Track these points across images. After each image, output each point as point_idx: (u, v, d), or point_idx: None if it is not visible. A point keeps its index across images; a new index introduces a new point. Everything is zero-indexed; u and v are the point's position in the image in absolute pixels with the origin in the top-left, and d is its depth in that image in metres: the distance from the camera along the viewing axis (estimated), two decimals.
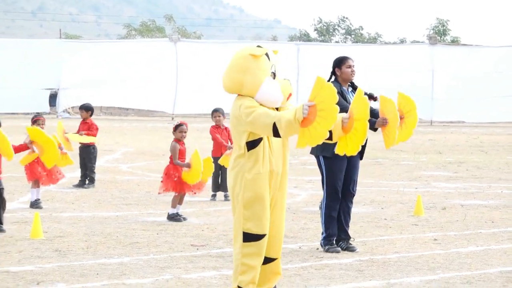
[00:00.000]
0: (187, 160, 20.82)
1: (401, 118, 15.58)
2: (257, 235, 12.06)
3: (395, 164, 34.47)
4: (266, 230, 12.09)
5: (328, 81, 16.51)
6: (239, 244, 12.16)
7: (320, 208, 17.35)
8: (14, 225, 19.16)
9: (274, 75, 12.23)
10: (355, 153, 12.99)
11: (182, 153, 20.94)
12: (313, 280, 14.19)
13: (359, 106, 12.83)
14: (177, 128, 21.19)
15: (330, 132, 12.16)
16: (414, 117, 15.49)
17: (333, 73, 16.90)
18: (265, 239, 12.07)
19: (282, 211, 12.42)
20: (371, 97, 16.38)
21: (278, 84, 12.17)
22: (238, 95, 12.25)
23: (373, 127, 15.46)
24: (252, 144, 12.10)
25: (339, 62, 16.90)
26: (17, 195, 22.96)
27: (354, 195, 17.15)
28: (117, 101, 69.11)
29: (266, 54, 12.37)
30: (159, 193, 21.22)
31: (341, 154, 13.14)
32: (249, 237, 12.11)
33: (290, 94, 12.23)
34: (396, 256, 16.38)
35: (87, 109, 27.66)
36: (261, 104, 11.99)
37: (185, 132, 21.26)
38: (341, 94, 16.35)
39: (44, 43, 78.64)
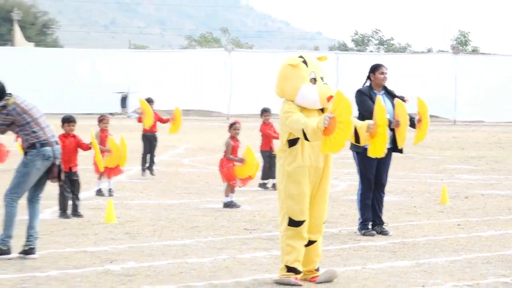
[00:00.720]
0: (240, 156, 20.84)
1: (419, 121, 15.77)
2: (298, 221, 12.17)
3: (423, 159, 34.39)
4: (305, 217, 12.16)
5: (363, 85, 16.71)
6: (284, 228, 12.30)
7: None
8: (91, 211, 19.22)
9: (314, 80, 12.28)
10: (382, 155, 13.01)
11: (235, 150, 20.97)
12: (351, 260, 14.17)
13: (379, 113, 12.99)
14: (232, 126, 21.26)
15: (358, 136, 12.54)
16: (427, 119, 15.70)
17: (368, 78, 16.91)
18: (304, 224, 12.18)
19: (323, 201, 12.47)
20: (402, 99, 16.40)
21: (316, 89, 12.24)
22: (285, 99, 12.42)
23: (390, 128, 15.50)
24: (292, 142, 12.28)
25: (374, 69, 16.94)
26: (92, 185, 22.98)
27: (385, 186, 17.13)
28: (179, 103, 69.01)
29: (304, 62, 12.41)
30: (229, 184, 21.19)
31: (372, 156, 13.25)
32: (291, 223, 12.23)
33: (331, 96, 12.23)
34: (424, 239, 16.33)
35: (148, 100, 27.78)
36: (302, 107, 12.13)
37: (239, 129, 21.30)
38: (370, 97, 16.43)
39: (115, 53, 78.82)
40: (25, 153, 14.25)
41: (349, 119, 12.04)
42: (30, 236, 14.23)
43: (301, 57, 12.62)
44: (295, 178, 12.27)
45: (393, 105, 16.25)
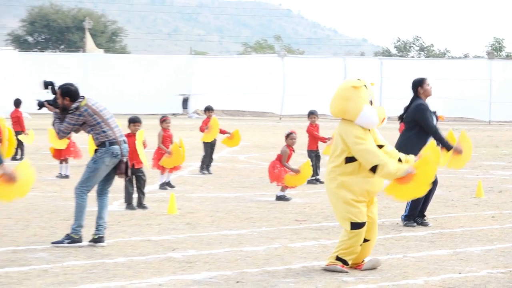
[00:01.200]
0: (296, 167, 20.81)
1: (459, 151, 16.01)
2: (360, 222, 12.16)
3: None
4: (365, 218, 12.19)
5: (416, 100, 16.64)
6: (347, 232, 12.26)
7: None
8: (155, 203, 19.28)
9: (371, 102, 12.30)
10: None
11: (289, 157, 20.95)
12: (393, 249, 14.14)
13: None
14: (289, 136, 21.23)
15: None
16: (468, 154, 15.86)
17: (416, 91, 16.81)
18: (365, 226, 12.22)
19: (376, 205, 12.51)
20: (434, 114, 16.61)
21: (375, 110, 12.25)
22: (343, 119, 12.35)
23: (448, 148, 16.08)
24: (351, 159, 12.25)
25: (421, 82, 16.90)
26: (156, 179, 23.05)
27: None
28: (236, 104, 69.26)
29: (365, 85, 12.42)
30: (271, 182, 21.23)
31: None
32: (354, 226, 12.19)
33: (384, 118, 12.31)
34: (461, 230, 16.26)
35: (208, 109, 27.78)
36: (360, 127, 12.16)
37: (295, 139, 21.28)
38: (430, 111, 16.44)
39: (178, 58, 79.06)
40: (95, 151, 14.39)
41: (427, 183, 12.49)
42: (99, 226, 14.32)
43: (360, 80, 12.66)
44: (350, 187, 12.27)
45: (436, 118, 16.58)
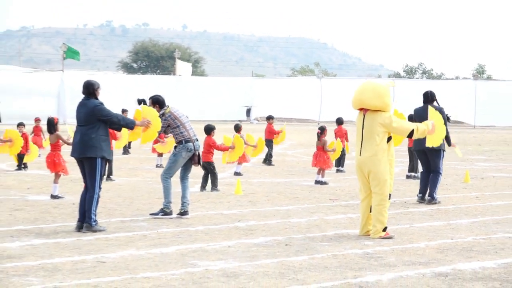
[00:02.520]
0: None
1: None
2: (390, 194, 12.33)
3: (452, 152, 33.95)
4: None
5: (438, 105, 16.88)
6: (387, 202, 12.22)
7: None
8: (225, 186, 19.29)
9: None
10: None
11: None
12: (402, 221, 14.06)
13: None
14: (323, 130, 21.24)
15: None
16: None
17: (432, 100, 16.94)
18: None
19: None
20: (447, 115, 16.93)
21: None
22: (375, 110, 12.22)
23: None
24: (388, 139, 12.28)
25: (435, 95, 17.28)
26: (227, 168, 23.10)
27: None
28: (285, 113, 69.28)
29: None
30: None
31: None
32: (389, 197, 12.30)
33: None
34: (452, 207, 16.12)
35: (270, 117, 27.68)
36: None
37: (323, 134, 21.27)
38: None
39: (243, 79, 79.41)
40: (175, 147, 14.64)
41: (442, 125, 13.52)
42: (184, 203, 14.42)
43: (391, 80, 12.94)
44: (391, 164, 12.32)
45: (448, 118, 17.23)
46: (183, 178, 14.90)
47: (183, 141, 14.61)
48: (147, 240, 11.80)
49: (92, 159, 12.74)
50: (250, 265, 9.98)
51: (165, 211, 14.46)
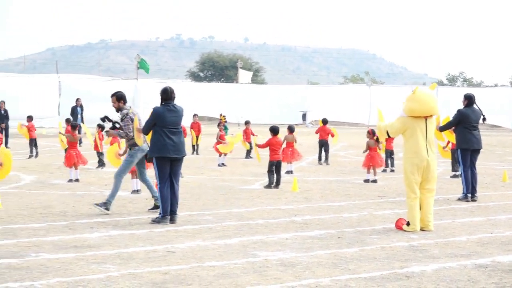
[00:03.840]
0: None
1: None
2: None
3: (491, 153, 33.56)
4: None
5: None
6: None
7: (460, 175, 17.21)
8: (283, 184, 19.24)
9: None
10: None
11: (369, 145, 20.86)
12: (445, 216, 13.91)
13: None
14: (368, 133, 21.15)
15: None
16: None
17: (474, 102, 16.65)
18: None
19: None
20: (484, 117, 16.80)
21: None
22: (431, 116, 12.37)
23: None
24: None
25: (474, 97, 16.78)
26: (283, 168, 23.08)
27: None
28: (338, 117, 69.00)
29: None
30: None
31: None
32: None
33: None
34: (492, 204, 15.90)
35: (325, 122, 27.56)
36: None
37: (372, 135, 21.16)
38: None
39: (299, 87, 79.18)
40: (130, 148, 14.33)
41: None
42: (157, 198, 13.98)
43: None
44: None
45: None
46: (144, 179, 14.47)
47: (137, 145, 14.21)
48: (212, 232, 11.84)
49: (183, 157, 13.13)
50: (306, 255, 9.96)
51: (106, 206, 13.90)
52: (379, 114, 13.50)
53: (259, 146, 19.78)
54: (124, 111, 14.38)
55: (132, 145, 14.25)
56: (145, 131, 13.18)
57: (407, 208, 12.33)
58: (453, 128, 16.93)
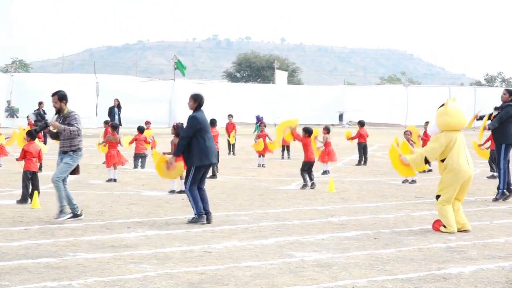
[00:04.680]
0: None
1: None
2: None
3: None
4: None
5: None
6: None
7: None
8: (319, 184, 19.18)
9: None
10: None
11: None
12: (483, 218, 13.79)
13: None
14: (405, 133, 21.01)
15: None
16: None
17: None
18: None
19: None
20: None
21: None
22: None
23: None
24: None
25: None
26: (319, 168, 23.02)
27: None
28: (374, 117, 68.68)
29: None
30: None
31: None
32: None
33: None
34: None
35: (362, 124, 27.41)
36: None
37: (410, 135, 21.00)
38: None
39: (336, 88, 78.92)
40: (73, 151, 13.47)
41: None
42: (74, 206, 13.27)
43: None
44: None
45: None
46: (65, 184, 13.37)
47: (80, 149, 13.49)
48: (248, 233, 11.85)
49: None
50: (342, 256, 9.94)
51: (75, 214, 13.15)
52: (399, 149, 13.43)
53: (295, 137, 19.50)
54: (69, 111, 13.69)
55: (75, 149, 13.39)
56: (186, 137, 12.81)
57: (439, 213, 12.20)
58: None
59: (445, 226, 12.04)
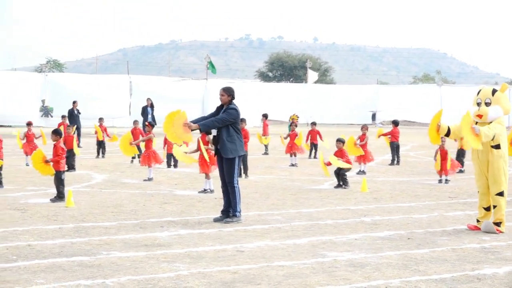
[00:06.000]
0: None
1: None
2: None
3: None
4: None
5: None
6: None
7: None
8: (352, 184, 19.10)
9: (478, 104, 12.23)
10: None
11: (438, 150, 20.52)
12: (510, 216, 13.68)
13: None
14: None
15: None
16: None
17: None
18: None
19: None
20: None
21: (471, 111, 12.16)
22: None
23: None
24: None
25: None
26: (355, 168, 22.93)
27: None
28: (407, 116, 68.40)
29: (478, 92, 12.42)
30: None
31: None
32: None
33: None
34: None
35: (396, 123, 27.21)
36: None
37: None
38: None
39: (368, 87, 78.59)
40: None
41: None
42: None
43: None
44: None
45: None
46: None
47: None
48: (281, 232, 11.84)
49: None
50: (375, 256, 9.90)
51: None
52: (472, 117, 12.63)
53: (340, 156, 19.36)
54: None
55: None
56: (223, 122, 12.82)
57: (504, 207, 12.07)
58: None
59: (500, 224, 11.94)
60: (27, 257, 9.62)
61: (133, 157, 25.73)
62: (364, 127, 23.28)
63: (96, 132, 28.70)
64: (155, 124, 22.55)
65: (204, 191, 17.30)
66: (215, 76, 60.80)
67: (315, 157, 28.85)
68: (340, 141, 19.34)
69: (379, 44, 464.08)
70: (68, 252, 10.02)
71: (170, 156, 24.00)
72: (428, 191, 18.22)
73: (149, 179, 20.06)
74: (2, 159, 18.09)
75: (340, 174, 18.74)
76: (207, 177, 17.23)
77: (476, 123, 11.94)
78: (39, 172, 15.85)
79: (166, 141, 23.90)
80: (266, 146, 31.41)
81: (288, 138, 26.79)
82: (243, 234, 11.61)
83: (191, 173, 21.84)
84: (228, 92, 13.15)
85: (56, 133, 16.15)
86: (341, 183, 18.70)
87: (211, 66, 58.65)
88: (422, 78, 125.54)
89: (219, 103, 13.20)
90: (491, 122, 11.89)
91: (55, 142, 15.99)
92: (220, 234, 11.60)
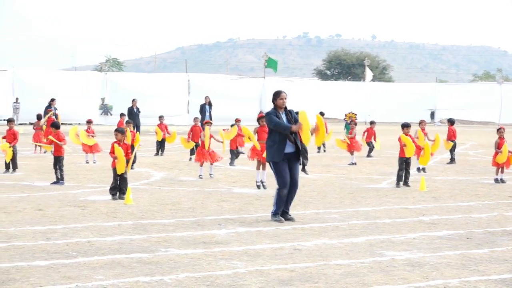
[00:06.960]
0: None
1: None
2: None
3: None
4: None
5: None
6: None
7: None
8: (410, 183, 18.90)
9: None
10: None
11: (500, 145, 20.15)
12: None
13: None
14: (498, 130, 20.50)
15: None
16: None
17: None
18: None
19: None
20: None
21: None
22: None
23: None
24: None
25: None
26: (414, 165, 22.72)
27: None
28: (466, 115, 67.70)
29: None
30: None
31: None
32: None
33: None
34: None
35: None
36: None
37: (503, 133, 20.42)
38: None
39: (427, 85, 77.88)
40: None
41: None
42: None
43: None
44: None
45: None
46: None
47: None
48: (338, 231, 11.80)
49: None
50: (434, 256, 9.80)
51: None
52: None
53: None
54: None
55: None
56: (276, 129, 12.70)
57: None
58: None
59: None
60: (86, 254, 9.75)
61: (191, 156, 26.04)
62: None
63: (156, 133, 28.99)
64: (211, 123, 22.65)
65: (262, 182, 17.63)
66: (273, 74, 60.85)
67: (370, 155, 28.71)
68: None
69: (438, 42, 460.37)
70: (127, 249, 10.12)
71: (232, 152, 24.16)
72: (488, 190, 17.97)
73: (199, 177, 20.13)
74: (63, 156, 18.59)
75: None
76: (263, 167, 17.59)
77: None
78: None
79: (189, 134, 25.19)
80: (323, 144, 31.34)
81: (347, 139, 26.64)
82: (301, 233, 11.60)
83: (250, 170, 21.89)
84: (286, 95, 13.05)
85: (120, 132, 16.30)
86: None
87: (273, 63, 58.60)
88: (482, 76, 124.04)
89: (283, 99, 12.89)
90: None
91: (120, 140, 16.17)
92: (277, 232, 11.60)
